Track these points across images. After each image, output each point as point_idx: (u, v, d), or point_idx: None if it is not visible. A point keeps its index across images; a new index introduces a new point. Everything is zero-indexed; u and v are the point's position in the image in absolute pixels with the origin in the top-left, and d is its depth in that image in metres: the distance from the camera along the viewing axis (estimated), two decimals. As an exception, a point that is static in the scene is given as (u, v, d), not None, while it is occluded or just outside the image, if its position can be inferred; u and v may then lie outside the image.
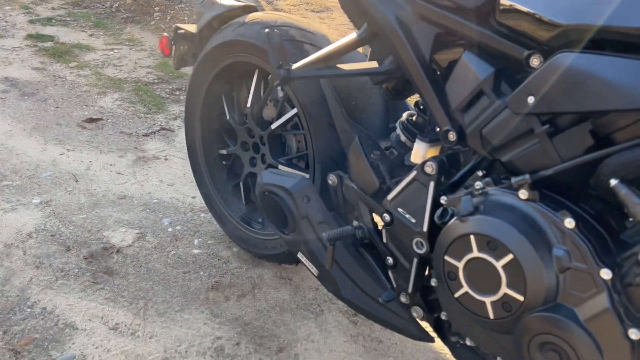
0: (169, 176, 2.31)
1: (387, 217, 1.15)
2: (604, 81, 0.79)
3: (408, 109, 1.45)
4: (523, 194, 0.90)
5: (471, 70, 1.00)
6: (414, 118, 1.27)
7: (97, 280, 1.67)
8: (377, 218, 1.22)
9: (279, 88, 1.63)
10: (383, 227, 1.18)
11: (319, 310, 1.64)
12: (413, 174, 1.09)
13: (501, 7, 0.95)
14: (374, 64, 1.18)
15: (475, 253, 0.91)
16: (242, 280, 1.74)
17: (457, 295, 0.96)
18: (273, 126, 1.57)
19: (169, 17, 4.55)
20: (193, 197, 2.16)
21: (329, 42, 1.47)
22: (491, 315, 0.92)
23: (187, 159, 2.39)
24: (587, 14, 0.82)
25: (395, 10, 1.09)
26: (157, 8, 4.72)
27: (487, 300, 0.92)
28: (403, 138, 1.26)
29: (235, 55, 1.58)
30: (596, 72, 0.79)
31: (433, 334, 1.22)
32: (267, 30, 1.23)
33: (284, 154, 1.64)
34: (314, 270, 1.34)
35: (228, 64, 1.63)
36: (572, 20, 0.83)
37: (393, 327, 1.24)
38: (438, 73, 1.10)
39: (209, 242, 1.91)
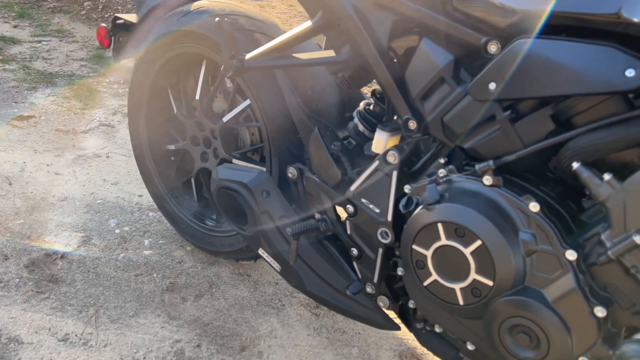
0: (112, 174, 2.20)
1: (350, 208, 1.13)
2: (563, 66, 0.80)
3: (363, 98, 1.44)
4: (487, 180, 0.90)
5: (430, 58, 0.99)
6: (371, 107, 1.26)
7: (41, 290, 1.56)
8: (340, 210, 1.21)
9: (228, 79, 1.58)
10: (346, 218, 1.16)
11: (280, 305, 1.61)
12: (375, 164, 1.08)
13: (456, -11, 0.95)
14: (330, 53, 1.16)
15: (444, 241, 0.91)
16: (199, 279, 1.68)
17: (426, 283, 0.96)
18: (225, 119, 1.51)
19: (100, 7, 4.32)
20: (140, 196, 2.07)
21: (279, 31, 1.43)
22: (461, 302, 0.93)
23: (130, 155, 2.29)
24: (543, 0, 0.83)
25: (351, -3, 1.07)
26: (87, -3, 4.47)
27: (457, 287, 0.92)
28: (361, 127, 1.25)
29: (182, 46, 1.51)
30: (555, 57, 0.81)
31: (398, 322, 1.22)
32: (217, 19, 1.17)
33: (237, 147, 1.59)
34: (276, 265, 1.31)
35: (174, 55, 1.55)
36: (528, 6, 0.84)
37: (359, 317, 1.23)
38: (396, 61, 1.09)
39: (160, 242, 1.83)
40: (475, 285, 0.90)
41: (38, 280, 1.60)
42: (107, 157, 2.33)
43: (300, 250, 1.23)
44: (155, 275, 1.68)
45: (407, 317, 1.20)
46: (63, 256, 1.71)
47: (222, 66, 1.20)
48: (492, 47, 0.92)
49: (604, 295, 0.81)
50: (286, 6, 5.53)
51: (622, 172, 0.78)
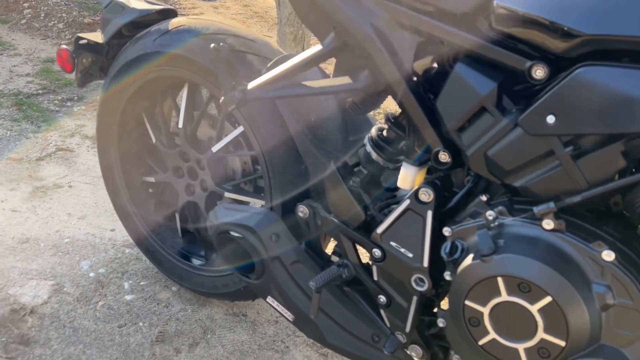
0: (77, 207, 1.99)
1: (377, 252, 1.01)
2: (643, 99, 0.70)
3: (368, 120, 1.31)
4: (548, 224, 0.80)
5: (468, 85, 0.88)
6: (384, 133, 1.13)
7: (11, 355, 1.36)
8: (359, 249, 1.08)
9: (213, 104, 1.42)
10: (373, 263, 1.04)
11: (284, 348, 1.48)
12: (406, 202, 0.96)
13: (499, 12, 0.83)
14: (345, 80, 1.03)
15: (505, 297, 0.80)
16: (191, 325, 1.52)
17: (481, 342, 0.85)
18: (214, 149, 1.36)
19: (42, 14, 4.00)
20: (112, 230, 1.87)
21: (272, 49, 1.29)
22: (525, 363, 0.82)
23: (96, 184, 2.10)
24: (612, 23, 0.73)
25: (369, 17, 0.94)
26: (26, 4, 4.13)
27: (521, 347, 0.82)
28: (374, 155, 1.11)
29: (160, 69, 1.34)
30: (634, 88, 0.71)
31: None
32: (213, 45, 1.02)
33: (227, 178, 1.43)
34: (289, 315, 1.17)
35: (150, 78, 1.38)
36: (597, 30, 0.74)
37: (387, 368, 1.11)
38: (423, 88, 0.97)
39: (141, 283, 1.65)
40: (543, 345, 0.79)
41: (6, 342, 1.39)
42: (70, 186, 2.11)
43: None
44: (141, 324, 1.50)
45: (438, 363, 1.09)
46: (32, 311, 1.50)
47: (222, 98, 1.05)
48: (539, 72, 0.82)
49: (697, 354, 0.72)
50: (240, 6, 5.33)
51: None
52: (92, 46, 1.48)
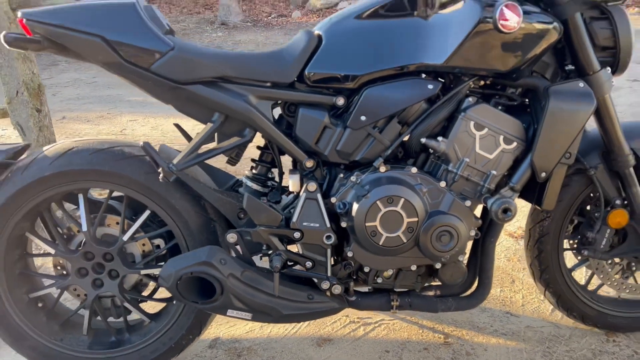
0: None
1: (297, 234, 1.57)
2: (393, 95, 1.53)
3: (226, 174, 1.83)
4: (382, 168, 1.55)
5: (312, 118, 1.58)
6: (254, 171, 1.71)
7: None
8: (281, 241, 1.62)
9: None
10: (297, 242, 1.58)
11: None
12: (304, 195, 1.57)
13: (309, 75, 1.56)
14: (236, 139, 1.58)
15: (384, 209, 1.50)
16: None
17: (380, 243, 1.52)
18: (125, 237, 1.63)
19: None
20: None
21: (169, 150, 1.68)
22: (405, 240, 1.53)
23: None
24: (376, 64, 1.54)
25: (242, 98, 1.55)
26: None
27: (399, 233, 1.52)
28: (256, 187, 1.69)
29: (56, 188, 1.56)
30: (385, 93, 1.53)
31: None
32: (142, 143, 1.45)
33: (134, 261, 1.71)
34: (248, 315, 1.59)
35: (41, 199, 1.58)
36: (366, 70, 1.54)
37: (322, 313, 1.65)
38: (282, 126, 1.62)
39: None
40: (409, 225, 1.51)
41: None
42: None
43: (267, 287, 1.57)
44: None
45: (347, 297, 1.69)
46: None
47: (160, 174, 1.45)
48: (340, 101, 1.58)
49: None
50: None
51: (444, 134, 1.55)
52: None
